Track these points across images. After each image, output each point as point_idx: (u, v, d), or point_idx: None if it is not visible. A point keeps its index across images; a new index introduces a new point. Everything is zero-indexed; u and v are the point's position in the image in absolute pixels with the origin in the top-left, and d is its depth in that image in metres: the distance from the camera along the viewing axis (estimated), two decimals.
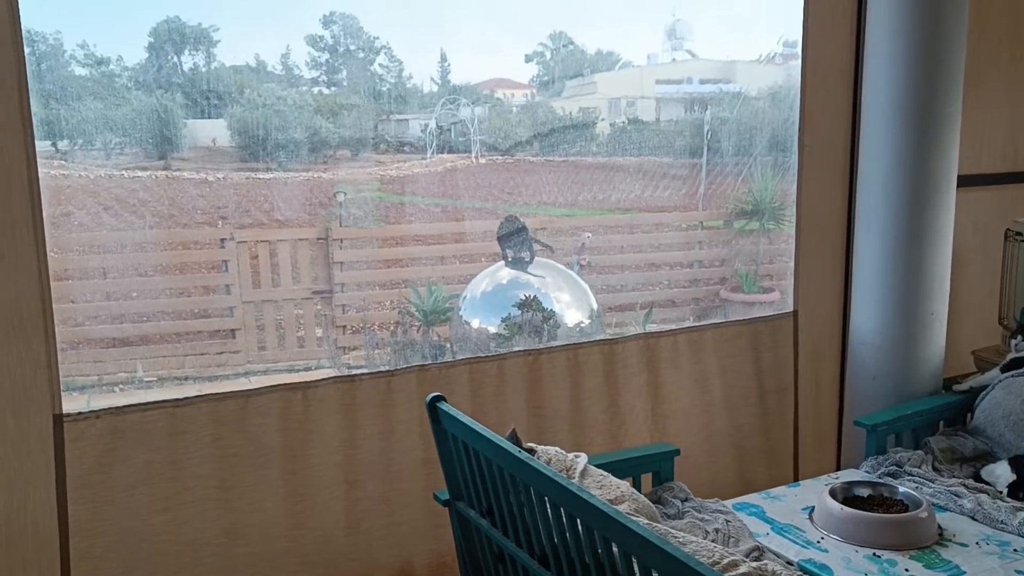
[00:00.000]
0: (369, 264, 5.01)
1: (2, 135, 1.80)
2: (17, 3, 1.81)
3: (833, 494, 2.16)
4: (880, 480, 2.32)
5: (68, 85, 3.76)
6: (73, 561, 2.00)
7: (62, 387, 1.96)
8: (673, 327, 2.73)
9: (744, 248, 5.59)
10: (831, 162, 2.88)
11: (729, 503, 2.24)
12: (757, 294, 5.39)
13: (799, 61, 2.84)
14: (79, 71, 3.91)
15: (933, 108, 2.62)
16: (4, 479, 1.91)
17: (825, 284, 2.93)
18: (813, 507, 2.21)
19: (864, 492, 2.21)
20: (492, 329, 4.42)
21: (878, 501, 2.18)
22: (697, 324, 2.81)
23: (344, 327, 4.91)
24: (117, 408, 2.01)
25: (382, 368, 2.27)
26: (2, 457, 1.90)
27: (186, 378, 4.53)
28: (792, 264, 2.92)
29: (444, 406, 1.86)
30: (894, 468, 2.42)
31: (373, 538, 2.32)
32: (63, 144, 3.96)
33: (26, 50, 1.83)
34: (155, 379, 4.53)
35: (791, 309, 2.91)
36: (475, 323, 4.51)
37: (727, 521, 2.12)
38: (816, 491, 2.27)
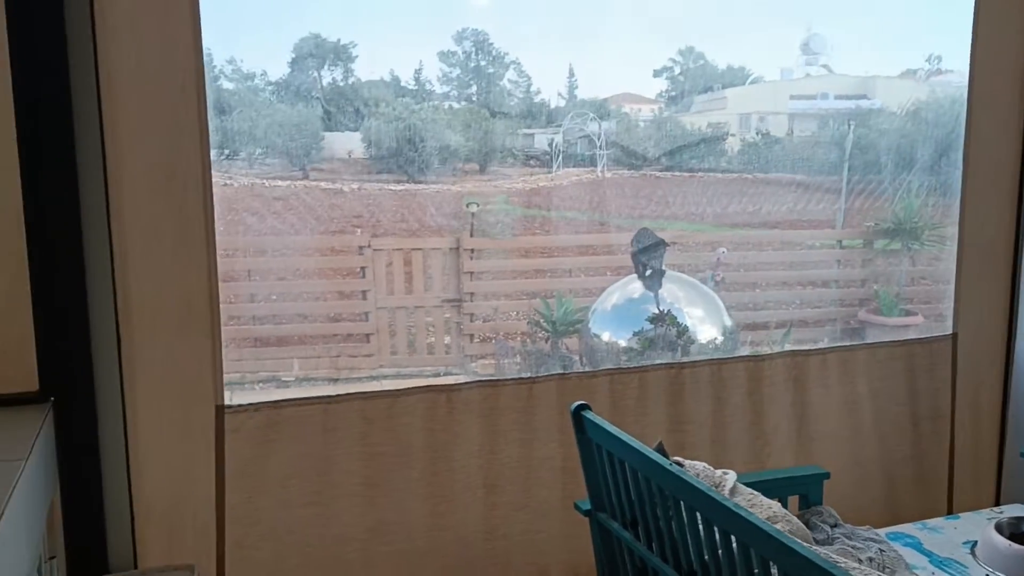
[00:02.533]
0: (496, 274, 5.08)
1: (184, 141, 1.91)
2: (199, 18, 1.91)
3: (999, 529, 2.02)
4: None
5: (217, 99, 3.97)
6: (228, 548, 2.08)
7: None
8: (821, 346, 2.63)
9: (885, 269, 5.35)
10: (998, 180, 2.71)
11: (882, 532, 2.14)
12: (899, 317, 5.14)
13: (945, 77, 2.70)
14: (227, 85, 4.12)
15: None
16: (168, 466, 2.01)
17: (988, 306, 2.75)
18: (975, 542, 2.08)
19: None
20: (622, 343, 4.39)
21: None
22: (848, 344, 2.70)
23: (472, 336, 4.98)
24: (274, 402, 2.10)
25: (524, 375, 2.28)
26: (168, 445, 2.00)
27: (322, 379, 4.69)
28: (950, 285, 2.76)
29: (589, 415, 1.85)
30: None
31: (510, 544, 2.32)
32: (212, 154, 4.18)
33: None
34: (292, 379, 4.72)
35: (950, 331, 2.75)
36: (605, 336, 4.48)
37: (881, 551, 2.01)
38: (978, 525, 2.14)
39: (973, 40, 2.63)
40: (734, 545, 1.46)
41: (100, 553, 1.96)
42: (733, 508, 1.42)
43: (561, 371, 2.34)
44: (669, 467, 1.60)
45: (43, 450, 1.75)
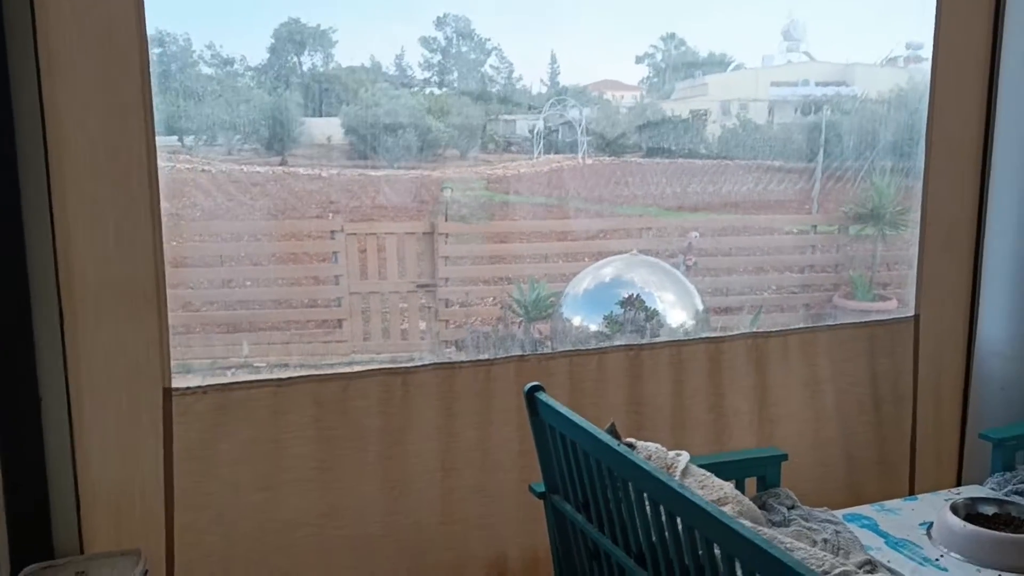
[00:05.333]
0: (472, 260, 5.04)
1: (127, 121, 1.86)
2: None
3: (955, 510, 2.02)
4: (1007, 498, 2.15)
5: (195, 84, 3.91)
6: (177, 533, 2.05)
7: (173, 368, 2.00)
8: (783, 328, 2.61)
9: (859, 254, 5.35)
10: (961, 162, 2.71)
11: (839, 513, 2.13)
12: (872, 302, 5.15)
13: (923, 64, 2.68)
14: (206, 70, 4.06)
15: None
16: (116, 450, 1.97)
17: (950, 289, 2.75)
18: (932, 523, 2.08)
19: (989, 510, 2.06)
20: (593, 327, 4.37)
21: (1004, 520, 2.02)
22: (809, 325, 2.69)
23: (447, 321, 4.95)
24: (223, 385, 2.06)
25: (482, 357, 2.25)
26: (115, 429, 1.96)
27: (295, 365, 4.65)
28: (915, 268, 2.75)
29: (542, 396, 1.83)
30: (1023, 486, 2.25)
31: (468, 528, 2.30)
32: (189, 140, 4.13)
33: (157, 50, 1.88)
34: (264, 365, 4.67)
35: (912, 313, 2.74)
36: (576, 320, 4.47)
37: (836, 532, 2.00)
38: (935, 506, 2.13)
39: (936, 25, 2.61)
40: (679, 526, 1.45)
41: (45, 538, 1.92)
42: (678, 489, 1.40)
43: (520, 353, 2.31)
44: (617, 448, 1.58)
45: None
